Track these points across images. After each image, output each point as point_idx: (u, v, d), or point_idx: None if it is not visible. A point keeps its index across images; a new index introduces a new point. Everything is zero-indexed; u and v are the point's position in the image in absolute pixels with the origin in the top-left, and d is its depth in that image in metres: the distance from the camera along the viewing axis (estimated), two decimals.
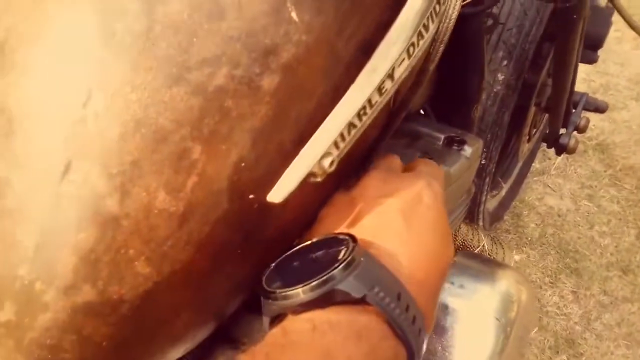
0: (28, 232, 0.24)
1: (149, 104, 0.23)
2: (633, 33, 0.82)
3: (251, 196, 0.26)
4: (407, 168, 0.37)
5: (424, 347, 0.29)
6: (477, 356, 0.41)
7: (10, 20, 0.25)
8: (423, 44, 0.29)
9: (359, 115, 0.28)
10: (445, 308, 0.42)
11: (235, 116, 0.24)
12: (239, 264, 0.29)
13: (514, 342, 0.43)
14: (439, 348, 0.40)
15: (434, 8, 0.29)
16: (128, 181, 0.24)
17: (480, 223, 1.12)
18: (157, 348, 0.29)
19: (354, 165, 0.36)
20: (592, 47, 1.02)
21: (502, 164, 1.28)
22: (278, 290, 0.27)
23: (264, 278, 0.29)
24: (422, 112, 0.67)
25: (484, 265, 0.46)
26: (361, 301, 0.25)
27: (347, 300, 0.25)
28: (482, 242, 0.74)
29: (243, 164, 0.25)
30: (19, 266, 0.24)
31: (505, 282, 0.44)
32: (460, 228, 0.72)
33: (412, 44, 0.28)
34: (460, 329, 0.41)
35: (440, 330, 0.41)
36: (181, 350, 0.31)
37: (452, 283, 0.43)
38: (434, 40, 0.31)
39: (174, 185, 0.24)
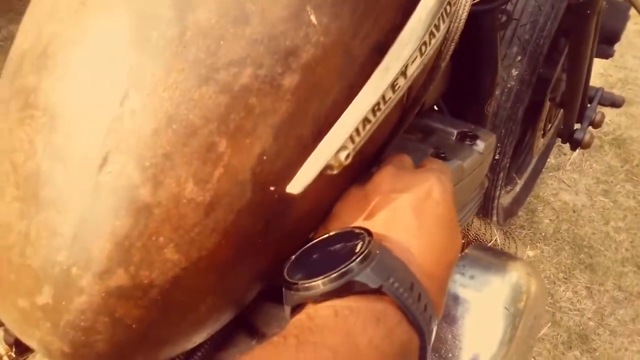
0: (67, 221, 0.26)
1: (180, 102, 0.25)
2: None
3: (272, 187, 0.28)
4: (418, 167, 0.38)
5: (434, 333, 0.30)
6: (487, 345, 0.42)
7: (53, 27, 0.27)
8: (435, 42, 0.30)
9: (373, 111, 0.29)
10: (456, 298, 0.43)
11: (258, 112, 0.26)
12: (259, 253, 0.31)
13: (522, 331, 0.44)
14: (449, 336, 0.42)
15: (445, 9, 0.30)
16: (160, 172, 0.25)
17: (495, 218, 1.12)
18: (182, 331, 0.31)
19: (368, 160, 0.37)
20: (607, 42, 1.02)
21: (517, 160, 1.28)
22: (300, 282, 0.28)
23: (285, 269, 0.30)
24: (435, 108, 0.68)
25: (495, 257, 0.47)
26: (377, 291, 0.27)
27: (364, 291, 0.27)
28: (495, 237, 0.75)
29: (265, 157, 0.27)
30: (58, 252, 0.26)
31: (515, 274, 0.45)
32: (473, 222, 0.73)
33: (424, 43, 0.30)
34: (470, 318, 0.42)
35: (450, 319, 0.42)
36: (204, 334, 0.33)
37: (463, 274, 0.45)
38: (445, 39, 0.32)
39: (202, 176, 0.26)
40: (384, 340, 0.26)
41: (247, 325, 0.41)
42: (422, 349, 0.29)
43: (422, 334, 0.28)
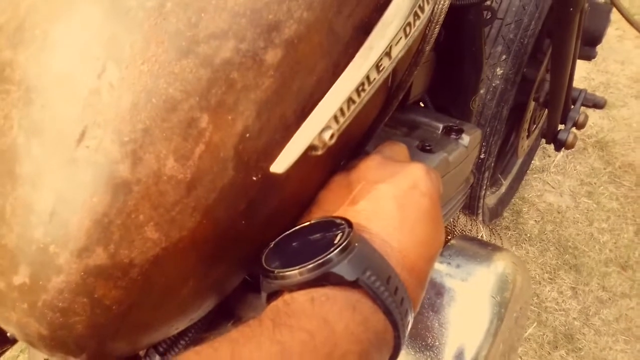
0: (44, 196, 0.25)
1: (159, 75, 0.25)
2: (634, 31, 0.83)
3: (255, 165, 0.27)
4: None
5: (409, 326, 0.30)
6: (473, 333, 0.42)
7: (31, 0, 0.27)
8: (419, 24, 0.30)
9: (357, 91, 0.29)
10: (442, 287, 0.43)
11: (240, 88, 0.26)
12: (242, 236, 0.30)
13: (509, 321, 0.44)
14: (436, 325, 0.42)
15: None
16: (139, 148, 0.25)
17: (480, 218, 1.13)
18: (164, 315, 0.30)
19: (354, 144, 0.37)
20: (590, 43, 1.04)
21: (502, 161, 1.30)
22: (276, 270, 0.28)
23: (263, 256, 0.30)
24: (421, 104, 0.68)
25: (481, 247, 0.47)
26: (354, 283, 0.27)
27: (341, 282, 0.27)
28: (481, 233, 0.75)
29: (248, 135, 0.27)
30: (34, 230, 0.25)
31: (501, 263, 0.45)
32: (459, 218, 0.73)
33: (409, 24, 0.30)
34: (456, 307, 0.42)
35: (437, 308, 0.42)
36: (186, 320, 0.32)
37: (449, 263, 0.45)
38: (429, 21, 0.32)
39: (183, 152, 0.25)
40: (360, 326, 0.26)
41: (233, 315, 0.40)
42: (397, 341, 0.29)
43: (396, 327, 0.28)
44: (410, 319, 0.30)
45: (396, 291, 0.28)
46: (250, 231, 0.30)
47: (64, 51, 0.25)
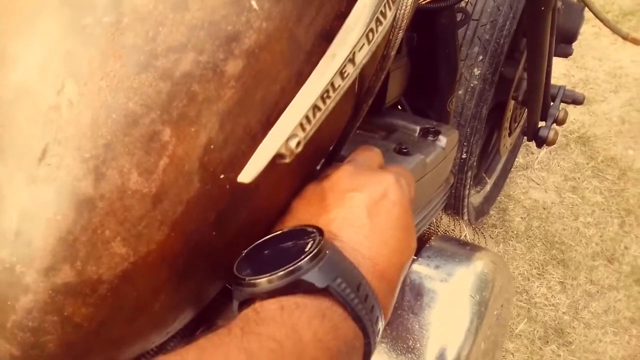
0: (8, 216, 0.25)
1: (119, 90, 0.25)
2: None
3: (222, 176, 0.27)
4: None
5: (380, 333, 0.30)
6: (454, 334, 0.42)
7: None
8: (382, 29, 0.31)
9: (322, 98, 0.29)
10: (421, 288, 0.43)
11: (202, 100, 0.26)
12: (214, 247, 0.30)
13: (489, 320, 0.44)
14: (416, 327, 0.42)
15: None
16: (101, 164, 0.25)
17: (466, 217, 1.14)
18: (138, 330, 0.30)
19: (325, 152, 0.37)
20: (566, 41, 1.05)
21: (486, 160, 1.31)
22: (247, 278, 0.28)
23: (235, 264, 0.30)
24: (399, 107, 0.69)
25: (459, 247, 0.47)
26: (324, 290, 0.27)
27: (311, 290, 0.27)
28: (464, 232, 0.76)
29: (212, 146, 0.27)
30: (0, 250, 0.25)
31: (480, 262, 0.46)
32: (442, 219, 0.74)
33: (371, 30, 0.30)
34: (436, 308, 0.43)
35: (417, 309, 0.42)
36: (162, 334, 0.32)
37: (428, 264, 0.45)
38: (392, 26, 0.33)
39: (146, 166, 0.25)
40: (328, 334, 0.26)
41: (204, 319, 0.40)
42: (367, 348, 0.29)
43: (366, 334, 0.28)
44: (381, 326, 0.30)
45: (366, 298, 0.28)
46: (222, 242, 0.30)
47: (22, 69, 0.25)
